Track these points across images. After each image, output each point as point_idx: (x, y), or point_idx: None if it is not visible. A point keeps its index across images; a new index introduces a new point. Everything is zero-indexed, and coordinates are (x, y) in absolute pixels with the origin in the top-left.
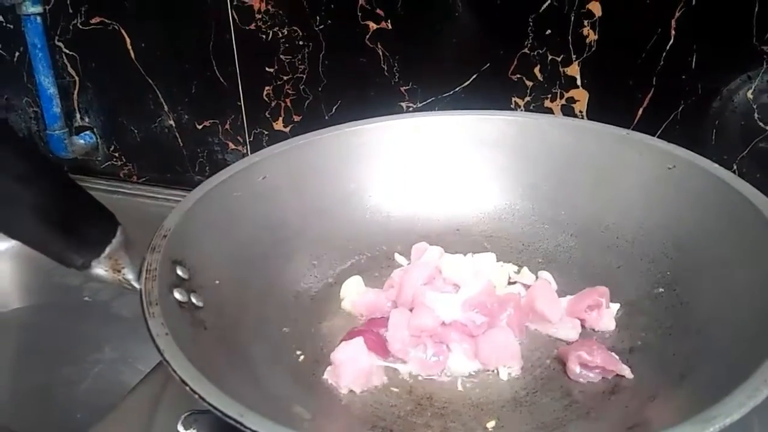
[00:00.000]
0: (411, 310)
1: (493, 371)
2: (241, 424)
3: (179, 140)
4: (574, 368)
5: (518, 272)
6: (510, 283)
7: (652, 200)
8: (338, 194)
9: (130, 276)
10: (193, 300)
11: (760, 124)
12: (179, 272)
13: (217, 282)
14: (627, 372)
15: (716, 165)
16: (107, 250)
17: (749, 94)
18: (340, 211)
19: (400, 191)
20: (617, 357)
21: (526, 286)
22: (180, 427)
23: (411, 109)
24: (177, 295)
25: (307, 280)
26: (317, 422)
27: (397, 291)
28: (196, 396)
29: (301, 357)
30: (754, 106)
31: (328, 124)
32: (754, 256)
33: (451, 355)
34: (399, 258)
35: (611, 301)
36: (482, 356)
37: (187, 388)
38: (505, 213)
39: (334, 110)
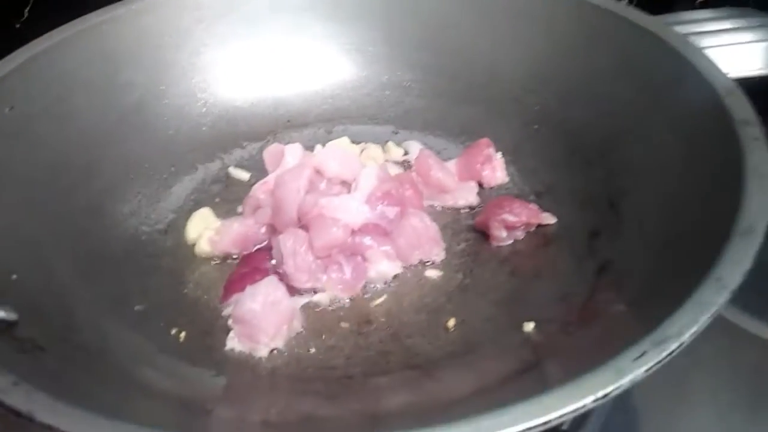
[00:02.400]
0: (303, 228)
1: (418, 265)
2: None
3: None
4: (499, 233)
5: (384, 150)
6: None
7: (499, 33)
8: (123, 108)
9: None
10: (3, 316)
11: None
12: None
13: (15, 277)
14: (549, 218)
15: None
16: None
17: None
18: (134, 130)
19: (199, 85)
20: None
21: (402, 163)
22: None
23: None
24: None
25: (129, 234)
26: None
27: (273, 210)
28: None
29: (182, 335)
30: None
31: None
32: (623, 63)
33: (370, 265)
34: (236, 172)
35: None
36: (403, 252)
37: None
38: (336, 89)
39: None
